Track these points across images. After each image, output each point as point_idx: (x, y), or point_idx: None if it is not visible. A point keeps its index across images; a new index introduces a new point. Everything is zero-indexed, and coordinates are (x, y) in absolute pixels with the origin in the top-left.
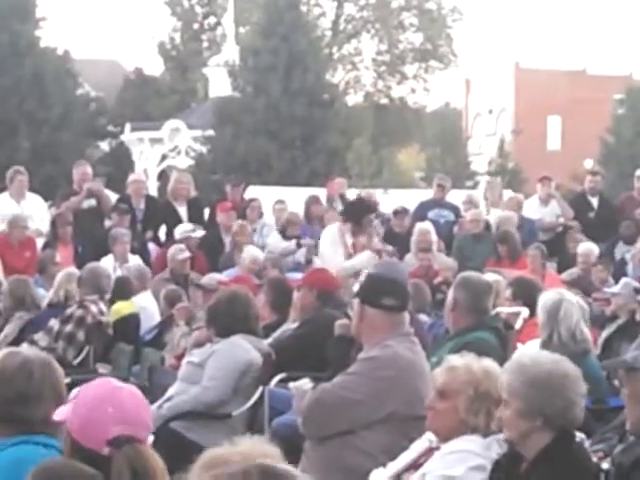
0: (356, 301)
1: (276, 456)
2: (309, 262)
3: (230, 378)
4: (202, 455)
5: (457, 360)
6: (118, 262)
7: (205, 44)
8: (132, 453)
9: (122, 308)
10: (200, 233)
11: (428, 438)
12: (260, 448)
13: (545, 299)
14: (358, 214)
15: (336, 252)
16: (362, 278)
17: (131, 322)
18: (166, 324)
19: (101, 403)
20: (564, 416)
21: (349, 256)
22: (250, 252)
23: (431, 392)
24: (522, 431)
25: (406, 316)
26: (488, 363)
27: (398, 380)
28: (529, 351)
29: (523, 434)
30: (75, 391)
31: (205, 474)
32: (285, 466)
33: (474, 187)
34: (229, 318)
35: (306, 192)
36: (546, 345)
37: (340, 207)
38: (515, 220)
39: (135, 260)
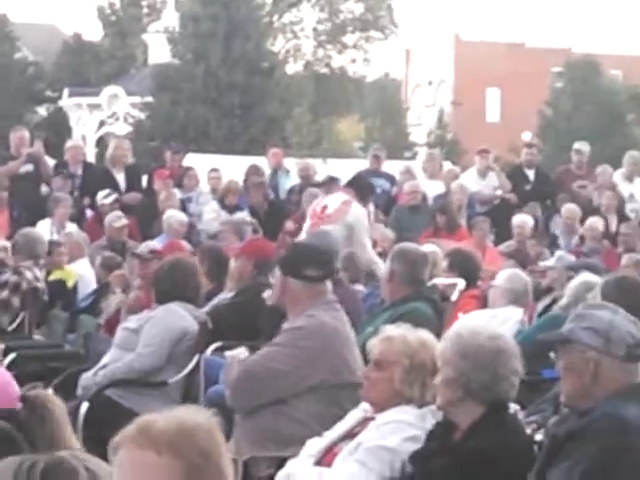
0: (278, 272)
1: (208, 424)
2: (256, 232)
3: (164, 345)
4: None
5: (393, 331)
6: (55, 227)
7: (145, 10)
8: (42, 396)
9: (65, 277)
10: (112, 198)
11: (363, 408)
12: (192, 415)
13: (581, 279)
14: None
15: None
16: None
17: (68, 288)
18: (102, 291)
19: None
20: (490, 390)
21: None
22: (173, 216)
23: (357, 359)
24: (449, 400)
25: (328, 284)
26: (424, 334)
27: (324, 349)
28: (472, 323)
29: (450, 403)
30: None
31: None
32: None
33: (413, 158)
34: (168, 285)
35: (244, 160)
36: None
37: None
38: (468, 191)
39: (72, 227)
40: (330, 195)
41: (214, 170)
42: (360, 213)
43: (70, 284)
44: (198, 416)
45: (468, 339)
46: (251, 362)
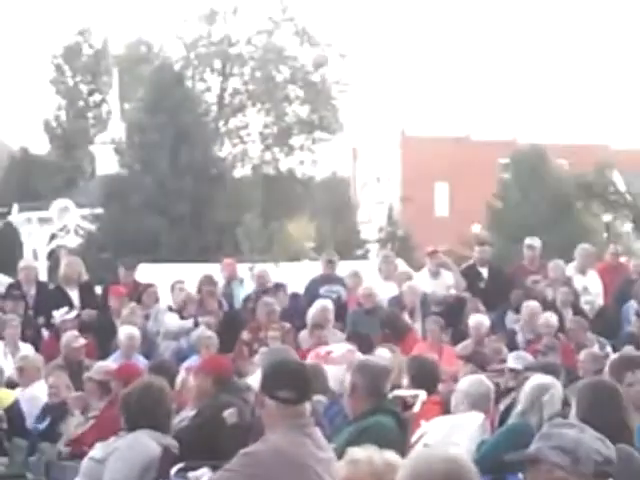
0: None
1: None
2: None
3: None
4: None
5: (359, 452)
6: (9, 348)
7: (91, 121)
8: None
9: (3, 398)
10: (73, 314)
11: None
12: None
13: (534, 382)
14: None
15: None
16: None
17: (15, 412)
18: (60, 413)
19: None
20: None
21: None
22: (126, 332)
23: None
24: None
25: (305, 407)
26: (390, 454)
27: (267, 477)
28: (431, 439)
29: None
30: None
31: None
32: None
33: (364, 256)
34: (137, 412)
35: (199, 268)
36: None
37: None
38: (420, 292)
39: (27, 347)
40: (334, 343)
41: (179, 282)
42: None
43: (8, 405)
44: None
45: (421, 463)
46: None
